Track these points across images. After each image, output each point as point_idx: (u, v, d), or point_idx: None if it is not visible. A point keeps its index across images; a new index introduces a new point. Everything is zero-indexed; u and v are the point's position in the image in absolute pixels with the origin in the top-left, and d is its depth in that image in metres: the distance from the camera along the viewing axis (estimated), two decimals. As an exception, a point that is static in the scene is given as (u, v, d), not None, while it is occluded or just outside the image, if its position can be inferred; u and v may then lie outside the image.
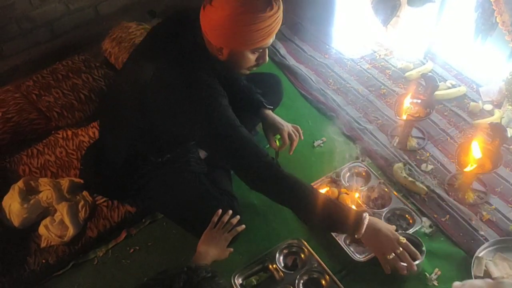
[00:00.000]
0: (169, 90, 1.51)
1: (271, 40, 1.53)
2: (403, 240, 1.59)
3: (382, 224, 1.63)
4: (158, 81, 1.51)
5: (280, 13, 1.48)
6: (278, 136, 1.94)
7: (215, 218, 1.70)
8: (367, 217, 1.58)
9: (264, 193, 1.64)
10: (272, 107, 1.99)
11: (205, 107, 1.50)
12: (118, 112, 1.76)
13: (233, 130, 1.53)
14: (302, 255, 1.77)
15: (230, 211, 1.72)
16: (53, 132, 2.31)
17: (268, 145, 1.98)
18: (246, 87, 2.00)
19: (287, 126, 1.95)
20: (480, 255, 1.70)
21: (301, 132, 1.99)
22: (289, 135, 1.93)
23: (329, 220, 1.60)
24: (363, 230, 1.57)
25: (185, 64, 1.53)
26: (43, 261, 1.82)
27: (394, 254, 1.57)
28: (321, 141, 2.24)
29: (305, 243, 1.78)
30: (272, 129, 1.94)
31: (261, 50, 1.56)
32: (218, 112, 1.51)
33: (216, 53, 1.54)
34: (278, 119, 1.96)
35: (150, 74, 1.51)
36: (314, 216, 1.60)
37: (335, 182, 1.99)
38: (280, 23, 1.50)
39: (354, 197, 1.89)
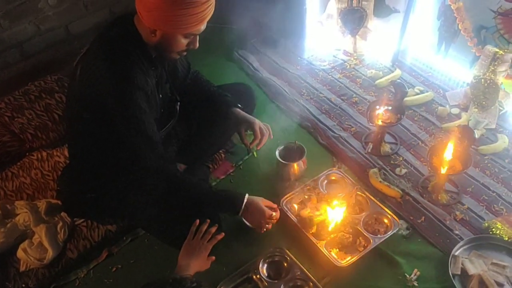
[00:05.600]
0: (91, 78, 1.57)
1: (202, 27, 1.58)
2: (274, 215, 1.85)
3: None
4: (83, 71, 1.60)
5: (213, 2, 1.54)
6: (250, 133, 1.99)
7: (193, 228, 1.71)
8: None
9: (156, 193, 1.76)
10: (241, 106, 2.03)
11: (117, 95, 1.55)
12: (69, 117, 1.82)
13: (138, 122, 1.59)
14: (285, 264, 1.79)
15: (208, 220, 1.74)
16: (27, 154, 2.27)
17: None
18: (216, 91, 2.06)
19: (259, 122, 2.00)
20: (456, 253, 1.76)
21: (271, 130, 2.04)
22: (261, 129, 1.98)
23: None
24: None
25: (108, 52, 1.58)
26: (23, 285, 1.78)
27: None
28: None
29: (287, 251, 1.81)
30: (244, 124, 1.99)
31: (192, 36, 1.61)
32: (128, 102, 1.56)
33: (149, 35, 1.58)
34: (249, 115, 2.02)
35: (78, 67, 1.61)
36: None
37: (313, 190, 2.02)
38: (213, 11, 1.57)
39: (333, 204, 1.93)
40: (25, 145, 2.27)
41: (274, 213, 1.84)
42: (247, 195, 1.80)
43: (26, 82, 2.50)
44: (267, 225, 1.84)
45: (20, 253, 1.83)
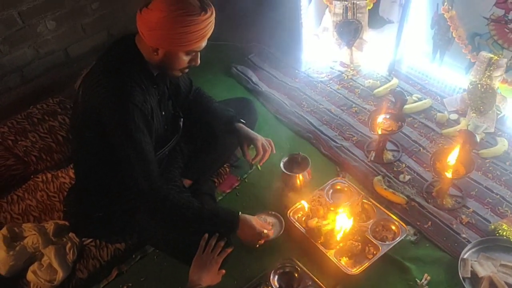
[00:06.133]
0: (92, 97, 1.59)
1: (203, 43, 1.62)
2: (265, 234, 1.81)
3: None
4: (85, 91, 1.63)
5: (213, 19, 1.59)
6: (252, 147, 2.01)
7: (203, 243, 1.72)
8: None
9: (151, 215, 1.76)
10: (244, 121, 2.06)
11: (116, 114, 1.57)
12: (74, 137, 1.85)
13: (134, 141, 1.60)
14: (296, 274, 1.80)
15: (217, 234, 1.74)
16: (32, 176, 2.26)
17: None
18: (218, 107, 2.09)
19: (261, 138, 2.03)
20: (465, 257, 1.78)
21: (273, 145, 2.06)
22: (263, 146, 2.01)
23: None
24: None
25: (109, 72, 1.61)
26: (34, 308, 1.78)
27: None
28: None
29: (298, 262, 1.82)
30: (247, 140, 2.02)
31: (194, 53, 1.65)
32: (126, 121, 1.58)
33: (151, 54, 1.61)
34: (252, 131, 2.04)
35: (80, 88, 1.65)
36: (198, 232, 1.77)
37: (319, 200, 2.03)
38: (213, 28, 1.61)
39: (340, 213, 1.94)
40: (30, 168, 2.27)
41: (265, 231, 1.80)
42: (240, 213, 1.79)
43: (28, 106, 2.50)
44: (259, 241, 1.81)
45: (30, 276, 1.82)
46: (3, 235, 1.88)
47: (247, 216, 1.79)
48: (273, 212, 1.98)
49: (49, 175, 2.25)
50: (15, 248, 1.86)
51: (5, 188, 2.22)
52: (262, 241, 1.82)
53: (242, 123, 2.05)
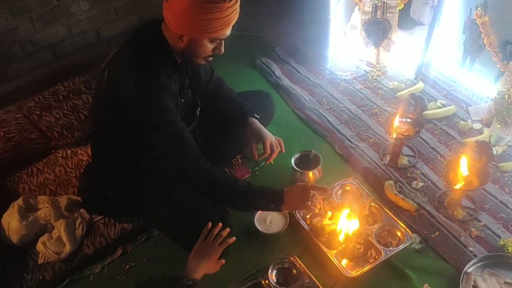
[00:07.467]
0: (117, 79, 1.64)
1: (228, 31, 1.64)
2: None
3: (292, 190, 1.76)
4: (110, 72, 1.68)
5: (237, 7, 1.60)
6: (261, 146, 2.02)
7: (205, 231, 1.73)
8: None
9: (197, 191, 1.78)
10: (259, 116, 2.06)
11: (143, 96, 1.61)
12: (94, 118, 1.92)
13: (167, 123, 1.64)
14: (294, 271, 1.80)
15: (220, 224, 1.75)
16: (53, 151, 2.36)
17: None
18: (236, 98, 2.10)
19: (271, 137, 2.03)
20: (469, 270, 1.73)
21: (283, 145, 2.06)
22: (271, 145, 2.01)
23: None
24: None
25: (135, 55, 1.65)
26: (40, 277, 1.86)
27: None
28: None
29: (297, 259, 1.82)
30: (256, 137, 2.03)
31: (218, 41, 1.67)
32: (155, 103, 1.62)
33: (176, 41, 1.64)
34: (263, 129, 2.05)
35: (106, 69, 1.70)
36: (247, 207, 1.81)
37: (327, 199, 2.02)
38: (237, 16, 1.62)
39: (346, 214, 1.92)
40: (51, 143, 2.36)
41: (313, 191, 1.73)
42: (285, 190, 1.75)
43: (56, 83, 2.59)
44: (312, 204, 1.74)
45: (39, 246, 1.90)
46: (18, 205, 1.97)
47: (292, 186, 1.77)
48: None
49: (69, 151, 2.33)
50: (28, 218, 1.94)
51: (26, 160, 2.31)
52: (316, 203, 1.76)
53: (256, 118, 2.05)
